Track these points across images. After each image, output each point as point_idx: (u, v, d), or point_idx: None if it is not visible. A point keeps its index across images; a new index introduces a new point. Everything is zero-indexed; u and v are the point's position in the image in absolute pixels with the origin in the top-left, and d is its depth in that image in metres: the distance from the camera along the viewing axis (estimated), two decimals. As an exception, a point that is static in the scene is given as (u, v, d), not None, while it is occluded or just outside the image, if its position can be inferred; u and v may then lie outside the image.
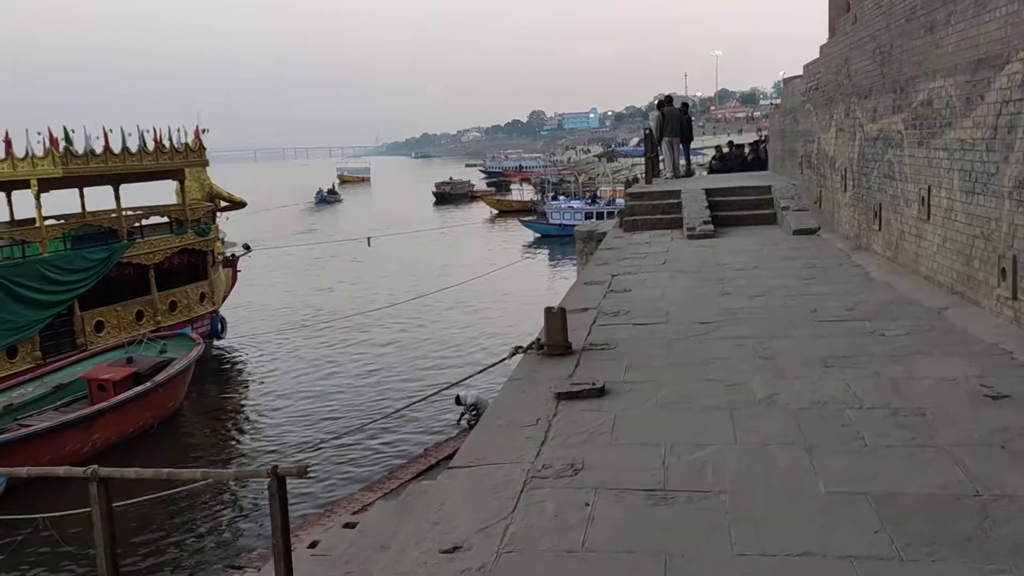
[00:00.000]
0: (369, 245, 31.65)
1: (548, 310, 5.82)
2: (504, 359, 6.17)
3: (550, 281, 29.00)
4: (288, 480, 4.14)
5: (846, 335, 6.05)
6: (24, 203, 18.94)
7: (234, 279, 25.17)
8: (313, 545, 8.52)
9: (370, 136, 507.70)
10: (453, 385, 12.92)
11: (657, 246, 11.17)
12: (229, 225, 38.61)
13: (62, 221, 20.26)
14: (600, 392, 4.87)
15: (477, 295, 26.94)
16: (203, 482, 5.54)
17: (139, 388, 15.72)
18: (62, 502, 13.96)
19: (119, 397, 15.38)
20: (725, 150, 22.00)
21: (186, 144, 21.23)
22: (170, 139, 20.61)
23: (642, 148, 19.97)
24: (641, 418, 4.51)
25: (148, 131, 20.10)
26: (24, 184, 18.30)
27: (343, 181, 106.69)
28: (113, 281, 19.30)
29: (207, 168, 23.08)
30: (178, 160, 21.05)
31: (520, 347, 6.06)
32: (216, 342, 22.42)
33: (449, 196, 74.04)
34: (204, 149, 22.03)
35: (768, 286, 8.03)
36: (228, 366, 21.80)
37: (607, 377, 5.17)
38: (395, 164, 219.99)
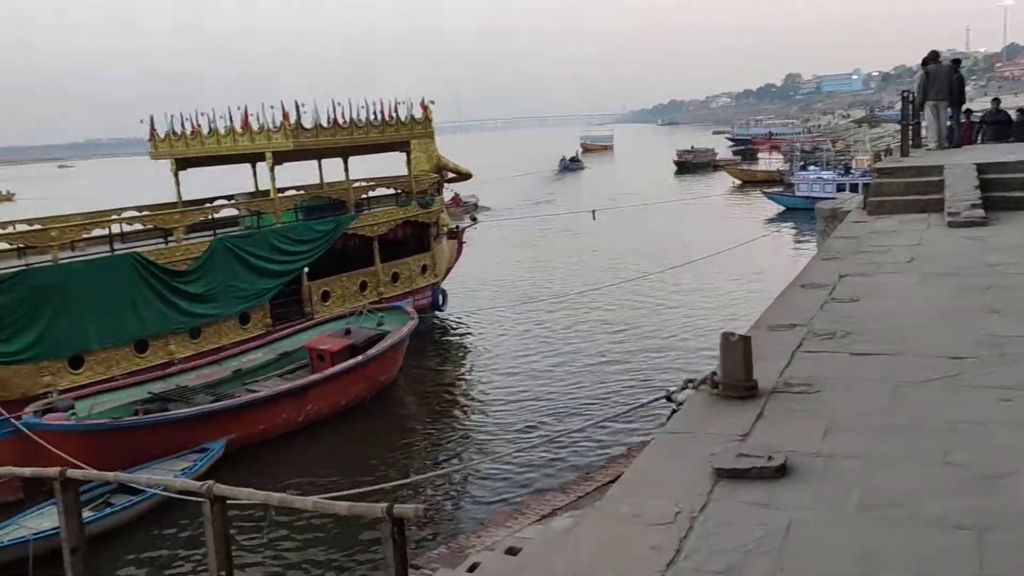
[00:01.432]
0: (594, 218, 30.65)
1: (726, 337, 4.38)
2: (665, 395, 4.83)
3: (792, 262, 26.44)
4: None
5: None
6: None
7: (459, 251, 25.21)
8: (472, 569, 7.77)
9: (617, 103, 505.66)
10: (668, 396, 11.69)
11: (906, 236, 9.07)
12: (480, 190, 39.28)
13: (301, 192, 21.12)
14: (778, 471, 3.43)
15: (706, 276, 25.08)
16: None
17: (352, 360, 15.89)
18: (280, 470, 14.14)
19: (332, 369, 15.62)
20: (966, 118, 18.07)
21: (412, 116, 21.28)
22: (395, 111, 20.71)
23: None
24: (829, 530, 2.99)
25: (376, 103, 20.35)
26: (261, 156, 19.23)
27: (586, 149, 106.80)
28: (339, 252, 19.81)
29: (435, 139, 23.19)
30: (404, 132, 21.18)
31: (691, 380, 4.70)
32: (437, 314, 22.54)
33: (691, 165, 71.57)
34: (430, 120, 22.03)
35: (1056, 302, 5.96)
36: (447, 340, 21.81)
37: (794, 444, 3.69)
38: (639, 132, 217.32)
